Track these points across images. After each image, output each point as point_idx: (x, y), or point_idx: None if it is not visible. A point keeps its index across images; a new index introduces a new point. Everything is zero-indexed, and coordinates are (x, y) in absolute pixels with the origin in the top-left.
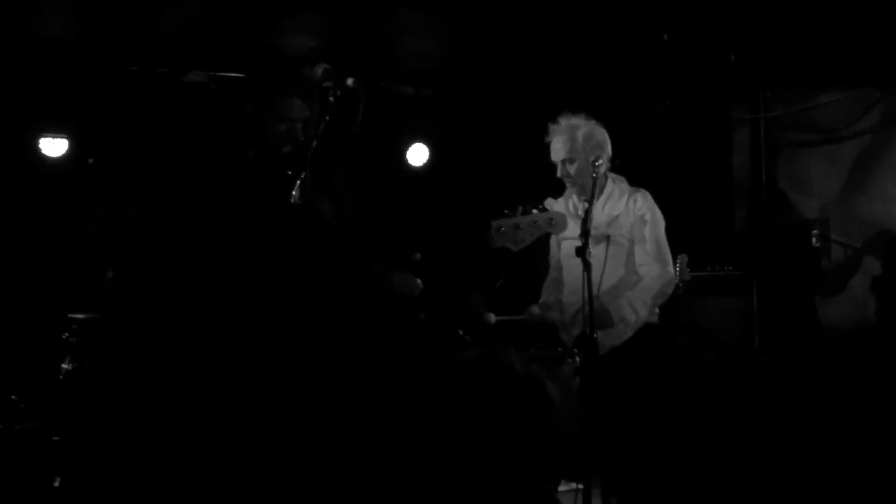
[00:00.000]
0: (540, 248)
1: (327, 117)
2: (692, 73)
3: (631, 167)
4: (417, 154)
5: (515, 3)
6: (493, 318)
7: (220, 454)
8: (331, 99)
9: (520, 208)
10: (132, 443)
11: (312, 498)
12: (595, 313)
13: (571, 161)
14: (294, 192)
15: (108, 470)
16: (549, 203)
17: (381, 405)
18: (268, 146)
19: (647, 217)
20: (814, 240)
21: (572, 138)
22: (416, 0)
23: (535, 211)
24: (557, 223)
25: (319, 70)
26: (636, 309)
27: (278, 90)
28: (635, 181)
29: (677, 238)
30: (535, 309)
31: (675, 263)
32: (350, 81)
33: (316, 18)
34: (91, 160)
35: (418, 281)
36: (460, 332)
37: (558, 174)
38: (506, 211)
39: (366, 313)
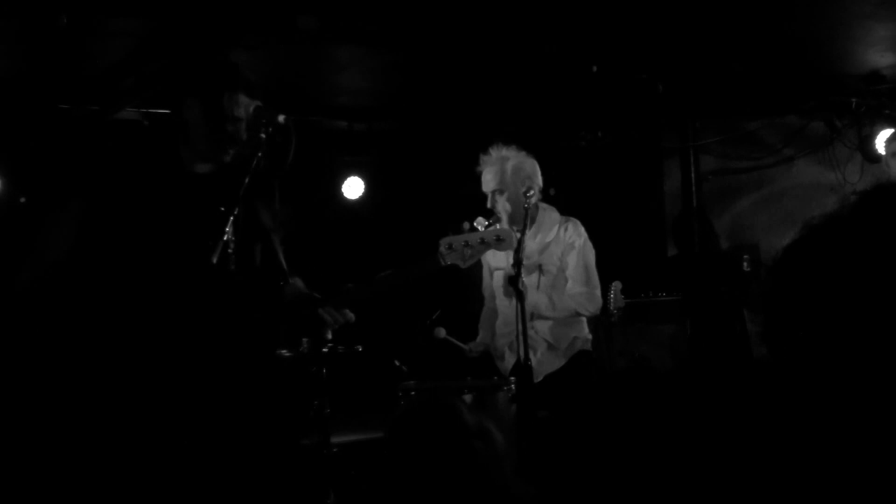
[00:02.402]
0: (475, 280)
1: (259, 154)
2: (622, 104)
3: (565, 197)
4: (352, 187)
5: (446, 38)
6: (443, 332)
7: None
8: (262, 136)
9: (466, 225)
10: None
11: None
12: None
13: (501, 192)
14: (227, 229)
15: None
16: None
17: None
18: (214, 154)
19: (578, 244)
20: (745, 265)
21: (502, 170)
22: (346, 37)
23: (482, 228)
24: (505, 239)
25: (251, 107)
26: (555, 302)
27: (225, 86)
28: (569, 211)
29: (611, 265)
30: (468, 347)
31: (609, 290)
32: (281, 118)
33: (248, 55)
34: (23, 199)
35: (350, 313)
36: (397, 363)
37: (488, 205)
38: (452, 230)
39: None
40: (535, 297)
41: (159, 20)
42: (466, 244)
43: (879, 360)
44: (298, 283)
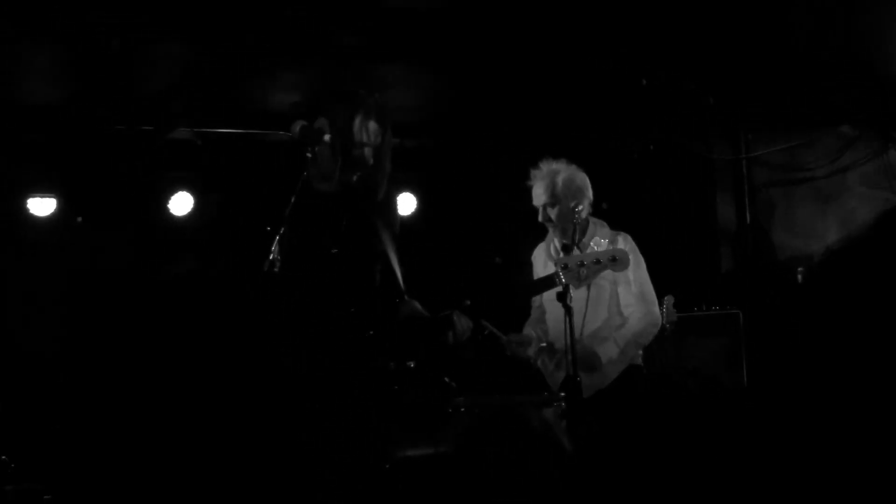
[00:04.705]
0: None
1: (305, 174)
2: (673, 116)
3: (616, 211)
4: (405, 203)
5: (496, 50)
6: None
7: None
8: (308, 156)
9: (577, 245)
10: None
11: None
12: (582, 357)
13: (552, 205)
14: (273, 248)
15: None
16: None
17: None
18: (339, 175)
19: (631, 259)
20: (799, 276)
21: (553, 183)
22: (394, 54)
23: (597, 248)
24: (620, 259)
25: (297, 127)
26: (623, 349)
27: (357, 113)
28: (621, 224)
29: (664, 279)
30: (508, 338)
31: (661, 305)
32: (327, 138)
33: (295, 76)
34: (80, 219)
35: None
36: (446, 380)
37: (539, 219)
38: (564, 249)
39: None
40: (605, 347)
41: (207, 43)
42: (582, 264)
43: None
44: (415, 305)
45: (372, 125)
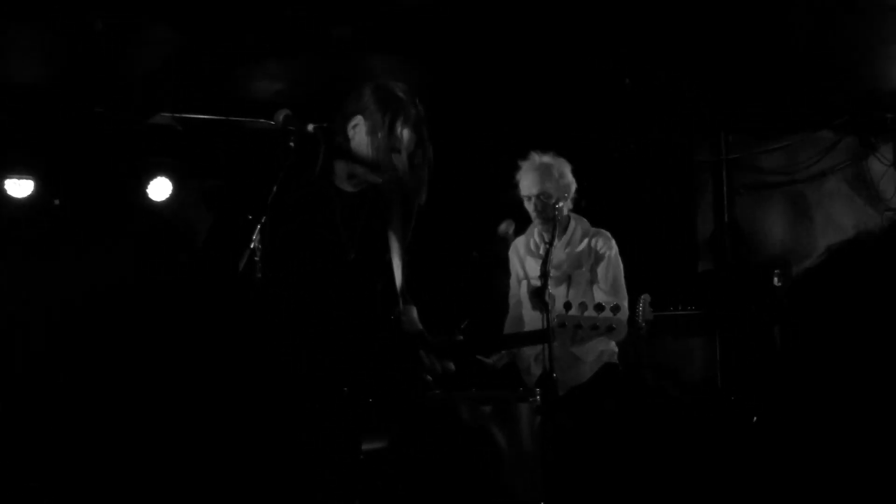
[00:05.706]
0: (502, 289)
1: (287, 164)
2: (656, 116)
3: (596, 208)
4: None
5: (482, 45)
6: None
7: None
8: (291, 145)
9: (581, 305)
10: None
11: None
12: (558, 356)
13: (548, 196)
14: (254, 237)
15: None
16: (513, 243)
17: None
18: (367, 176)
19: (608, 255)
20: (776, 279)
21: (546, 176)
22: (381, 44)
23: (598, 314)
24: (616, 329)
25: (281, 116)
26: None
27: (397, 118)
28: (601, 222)
29: (641, 278)
30: (492, 360)
31: (638, 303)
32: (310, 127)
33: (280, 63)
34: (57, 201)
35: (451, 365)
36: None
37: (530, 208)
38: (565, 306)
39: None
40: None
41: (194, 29)
42: (579, 326)
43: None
44: (413, 313)
45: (408, 133)
